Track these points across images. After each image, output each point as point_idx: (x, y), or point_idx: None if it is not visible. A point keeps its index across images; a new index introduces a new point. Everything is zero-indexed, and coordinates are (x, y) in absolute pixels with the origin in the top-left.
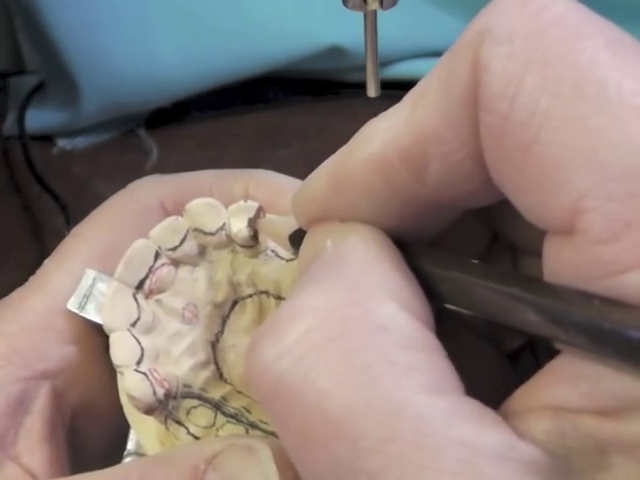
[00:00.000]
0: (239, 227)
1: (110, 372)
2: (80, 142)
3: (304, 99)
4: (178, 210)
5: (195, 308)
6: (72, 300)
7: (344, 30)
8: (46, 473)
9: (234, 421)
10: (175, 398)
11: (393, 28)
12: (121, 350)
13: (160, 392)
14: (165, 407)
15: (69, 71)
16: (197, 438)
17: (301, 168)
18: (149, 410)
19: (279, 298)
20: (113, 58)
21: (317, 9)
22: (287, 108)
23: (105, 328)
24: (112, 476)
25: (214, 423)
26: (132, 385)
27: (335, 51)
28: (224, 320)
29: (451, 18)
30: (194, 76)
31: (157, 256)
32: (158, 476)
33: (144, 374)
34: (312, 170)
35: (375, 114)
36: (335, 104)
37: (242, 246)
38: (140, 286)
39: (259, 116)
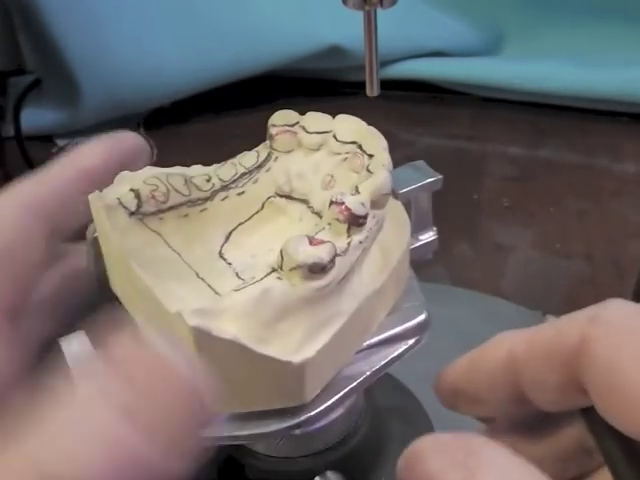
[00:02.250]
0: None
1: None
2: (80, 142)
3: (304, 99)
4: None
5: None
6: None
7: (344, 30)
8: None
9: (176, 213)
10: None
11: (393, 28)
12: None
13: (148, 206)
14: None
15: (69, 70)
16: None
17: None
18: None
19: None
20: (113, 57)
21: (317, 8)
22: (287, 108)
23: None
24: None
25: (166, 193)
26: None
27: (335, 51)
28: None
29: (451, 18)
30: (194, 75)
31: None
32: None
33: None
34: None
35: (375, 114)
36: (335, 104)
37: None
38: None
39: (259, 116)
